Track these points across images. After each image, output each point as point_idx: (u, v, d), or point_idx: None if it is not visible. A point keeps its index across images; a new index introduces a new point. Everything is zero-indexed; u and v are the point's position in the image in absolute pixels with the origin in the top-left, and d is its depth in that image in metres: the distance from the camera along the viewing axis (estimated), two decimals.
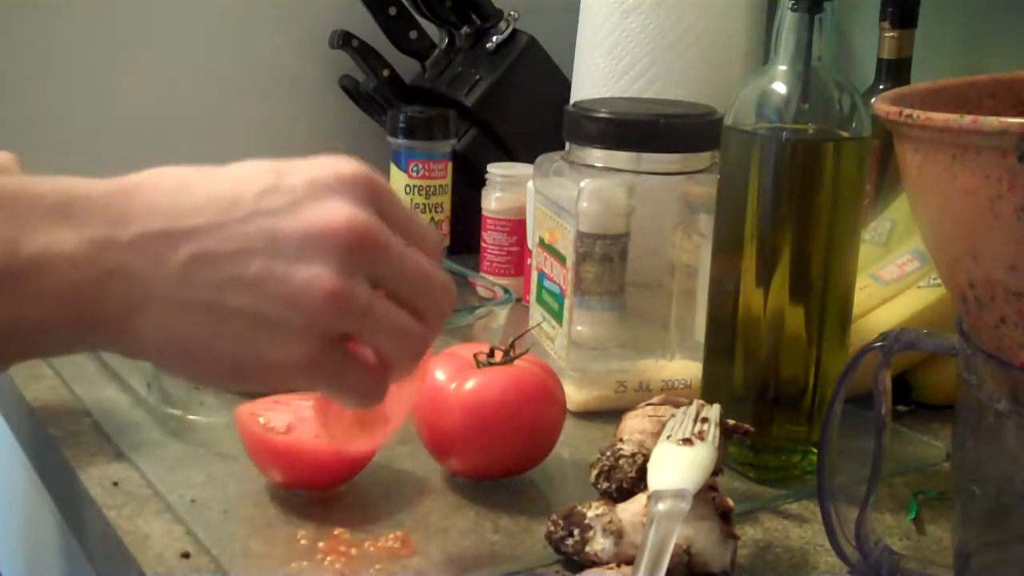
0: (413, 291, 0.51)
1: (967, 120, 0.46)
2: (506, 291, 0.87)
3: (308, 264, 0.47)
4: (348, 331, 0.49)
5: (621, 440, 0.67)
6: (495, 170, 1.07)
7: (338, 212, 0.48)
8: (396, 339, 0.50)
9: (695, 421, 0.63)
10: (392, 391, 0.53)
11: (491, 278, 1.02)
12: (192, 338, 0.47)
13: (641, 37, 0.99)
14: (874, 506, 0.63)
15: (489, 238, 1.07)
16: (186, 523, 0.65)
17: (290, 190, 0.48)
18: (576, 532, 0.61)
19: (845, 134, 0.70)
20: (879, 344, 0.59)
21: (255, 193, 0.48)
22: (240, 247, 0.47)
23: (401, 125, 1.10)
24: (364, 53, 1.19)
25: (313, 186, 0.48)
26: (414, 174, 1.11)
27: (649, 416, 0.68)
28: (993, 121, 0.45)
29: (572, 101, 0.95)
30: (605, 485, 0.65)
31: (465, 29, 1.19)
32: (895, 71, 0.95)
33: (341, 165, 0.50)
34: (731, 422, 0.67)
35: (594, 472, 0.66)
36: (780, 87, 0.70)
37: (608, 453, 0.66)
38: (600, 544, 0.60)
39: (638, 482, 0.64)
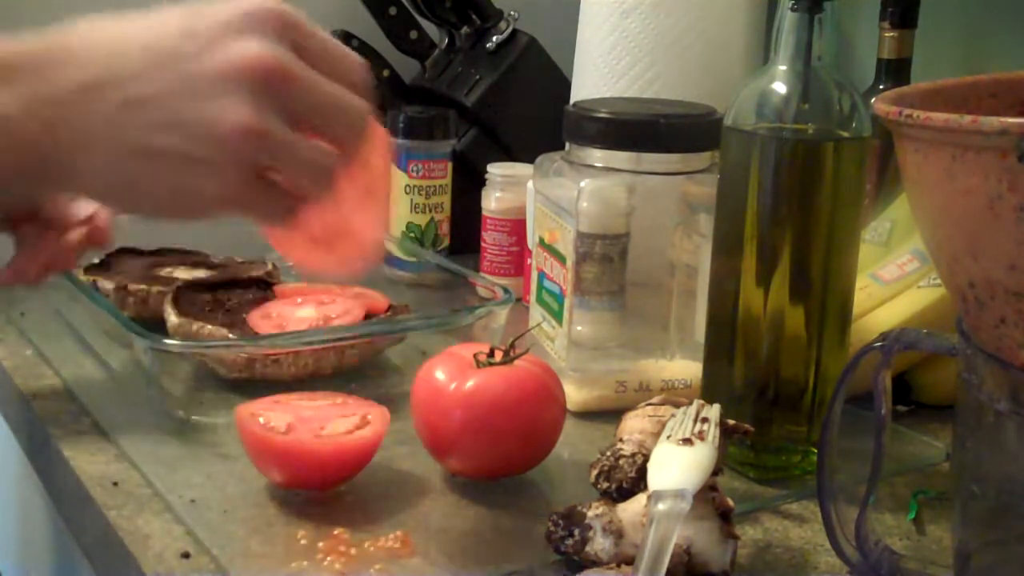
0: (325, 119, 0.54)
1: (967, 120, 0.46)
2: (506, 291, 0.87)
3: (223, 102, 0.51)
4: (264, 163, 0.53)
5: (621, 440, 0.67)
6: (495, 170, 1.07)
7: (248, 50, 0.51)
8: (308, 168, 0.54)
9: (695, 421, 0.63)
10: (349, 208, 0.57)
11: (491, 278, 1.02)
12: (128, 177, 0.53)
13: (641, 37, 0.99)
14: (874, 506, 0.63)
15: (489, 238, 1.07)
16: (186, 523, 0.65)
17: (206, 33, 0.52)
18: (576, 532, 0.61)
19: (845, 134, 0.70)
20: (879, 344, 0.59)
21: (175, 39, 0.52)
22: (162, 90, 0.51)
23: (401, 125, 1.10)
24: (364, 53, 1.19)
25: (227, 27, 0.52)
26: (414, 174, 1.11)
27: (649, 416, 0.68)
28: (993, 121, 0.45)
29: (572, 101, 0.95)
30: (605, 485, 0.65)
31: (465, 29, 1.19)
32: (895, 71, 0.95)
33: (254, 2, 0.53)
34: (731, 422, 0.67)
35: (594, 472, 0.66)
36: (780, 87, 0.70)
37: (608, 453, 0.66)
38: (600, 544, 0.60)
39: (638, 482, 0.64)
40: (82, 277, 0.93)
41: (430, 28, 1.21)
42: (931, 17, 0.95)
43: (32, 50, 0.52)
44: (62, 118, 0.51)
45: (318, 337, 0.81)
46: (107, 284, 0.92)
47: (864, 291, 0.84)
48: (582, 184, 0.80)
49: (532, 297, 0.89)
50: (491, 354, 0.70)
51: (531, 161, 0.89)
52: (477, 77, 1.17)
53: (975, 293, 0.49)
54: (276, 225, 0.58)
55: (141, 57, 0.52)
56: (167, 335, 0.82)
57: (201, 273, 0.97)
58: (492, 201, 1.07)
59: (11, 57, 0.51)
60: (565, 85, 1.10)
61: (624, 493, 0.64)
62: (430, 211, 1.12)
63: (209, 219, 0.57)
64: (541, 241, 0.86)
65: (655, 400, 0.70)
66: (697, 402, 0.66)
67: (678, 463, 0.59)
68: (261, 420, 0.68)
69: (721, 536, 0.60)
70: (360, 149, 0.56)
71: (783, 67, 0.70)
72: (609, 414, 0.76)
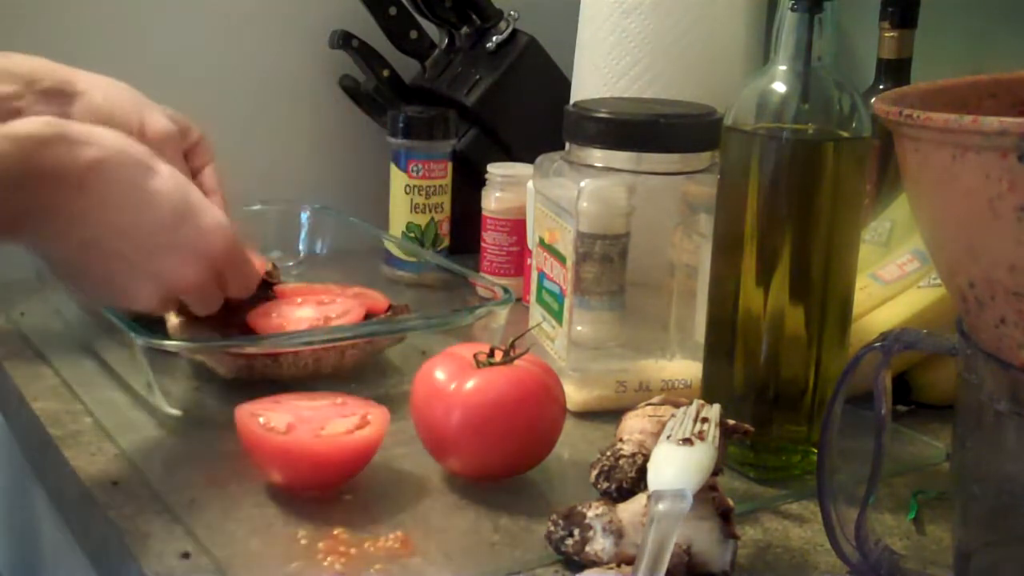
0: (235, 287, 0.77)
1: (967, 120, 0.46)
2: (506, 291, 0.87)
3: (147, 287, 0.72)
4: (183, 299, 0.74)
5: (621, 440, 0.67)
6: (495, 170, 1.07)
7: (188, 276, 0.73)
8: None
9: (695, 421, 0.63)
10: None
11: (491, 278, 1.02)
12: (77, 274, 0.71)
13: (641, 37, 0.99)
14: (874, 506, 0.63)
15: (489, 238, 1.07)
16: (186, 523, 0.65)
17: (170, 244, 0.71)
18: (576, 532, 0.61)
19: (845, 134, 0.70)
20: (879, 344, 0.59)
21: (165, 218, 0.71)
22: (120, 253, 0.70)
23: (401, 125, 1.10)
24: (364, 53, 1.19)
25: (187, 250, 0.72)
26: (414, 174, 1.11)
27: (649, 416, 0.68)
28: (993, 121, 0.45)
29: (572, 101, 0.95)
30: (605, 485, 0.65)
31: (465, 29, 1.19)
32: (895, 71, 0.95)
33: (210, 239, 0.73)
34: (731, 422, 0.67)
35: (594, 472, 0.66)
36: (780, 87, 0.70)
37: (608, 453, 0.66)
38: (600, 544, 0.60)
39: (638, 482, 0.64)
40: None
41: (430, 28, 1.21)
42: (931, 17, 0.95)
43: (80, 164, 0.68)
44: (50, 221, 0.67)
45: (318, 337, 0.81)
46: None
47: (864, 291, 0.84)
48: (582, 184, 0.80)
49: (532, 297, 0.89)
50: (491, 354, 0.70)
51: (531, 161, 0.89)
52: (477, 77, 1.17)
53: (975, 293, 0.49)
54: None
55: (133, 220, 0.70)
56: (167, 335, 0.82)
57: None
58: (492, 201, 1.07)
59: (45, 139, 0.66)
60: (565, 85, 1.10)
61: (624, 493, 0.64)
62: (430, 211, 1.12)
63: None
64: (541, 241, 0.86)
65: (655, 400, 0.70)
66: (697, 402, 0.66)
67: (678, 463, 0.59)
68: (261, 420, 0.68)
69: (721, 536, 0.60)
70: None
71: (783, 67, 0.70)
72: (609, 414, 0.76)
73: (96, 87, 0.84)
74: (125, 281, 0.71)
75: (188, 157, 0.88)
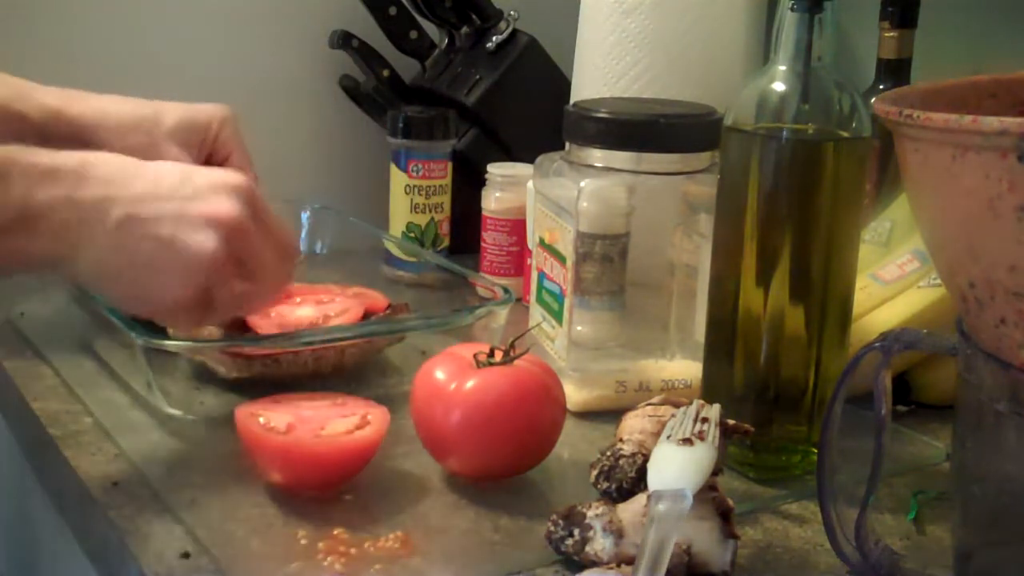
0: (256, 270, 0.71)
1: (967, 120, 0.46)
2: (506, 291, 0.86)
3: (198, 235, 0.67)
4: (210, 286, 0.69)
5: (621, 440, 0.67)
6: (495, 170, 1.07)
7: (224, 207, 0.68)
8: (232, 298, 0.71)
9: (695, 421, 0.63)
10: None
11: (491, 278, 1.02)
12: (116, 271, 0.67)
13: (641, 37, 0.99)
14: (874, 506, 0.63)
15: (489, 238, 1.07)
16: (186, 523, 0.65)
17: (196, 185, 0.69)
18: (576, 532, 0.61)
19: (845, 134, 0.70)
20: (879, 344, 0.59)
21: (175, 181, 0.69)
22: (157, 215, 0.67)
23: (401, 125, 1.10)
24: (364, 53, 1.19)
25: (214, 185, 0.69)
26: (414, 174, 1.11)
27: (649, 416, 0.68)
28: (993, 121, 0.45)
29: (572, 101, 0.95)
30: (605, 485, 0.65)
31: (465, 29, 1.19)
32: (895, 71, 0.95)
33: (232, 175, 0.71)
34: (731, 422, 0.67)
35: (594, 472, 0.66)
36: (780, 87, 0.70)
37: (608, 453, 0.66)
38: (600, 544, 0.60)
39: (638, 482, 0.64)
40: None
41: (430, 28, 1.21)
42: (931, 17, 0.95)
43: (70, 162, 0.66)
44: (84, 218, 0.65)
45: (318, 337, 0.81)
46: None
47: (864, 291, 0.84)
48: (582, 184, 0.80)
49: (532, 297, 0.89)
50: (491, 354, 0.70)
51: (531, 161, 0.89)
52: (477, 77, 1.17)
53: (975, 293, 0.49)
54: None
55: (149, 186, 0.68)
56: (167, 335, 0.82)
57: None
58: (492, 201, 1.07)
59: (56, 164, 0.66)
60: (565, 85, 1.10)
61: (624, 493, 0.64)
62: (430, 211, 1.12)
63: (158, 318, 0.75)
64: (541, 241, 0.86)
65: (655, 400, 0.70)
66: (697, 402, 0.66)
67: (678, 463, 0.59)
68: (261, 420, 0.68)
69: (721, 536, 0.60)
70: (271, 296, 0.75)
71: (783, 67, 0.70)
72: (609, 414, 0.76)
73: (85, 108, 0.83)
74: (152, 270, 0.68)
75: (212, 150, 0.88)
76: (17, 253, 0.65)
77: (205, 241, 0.67)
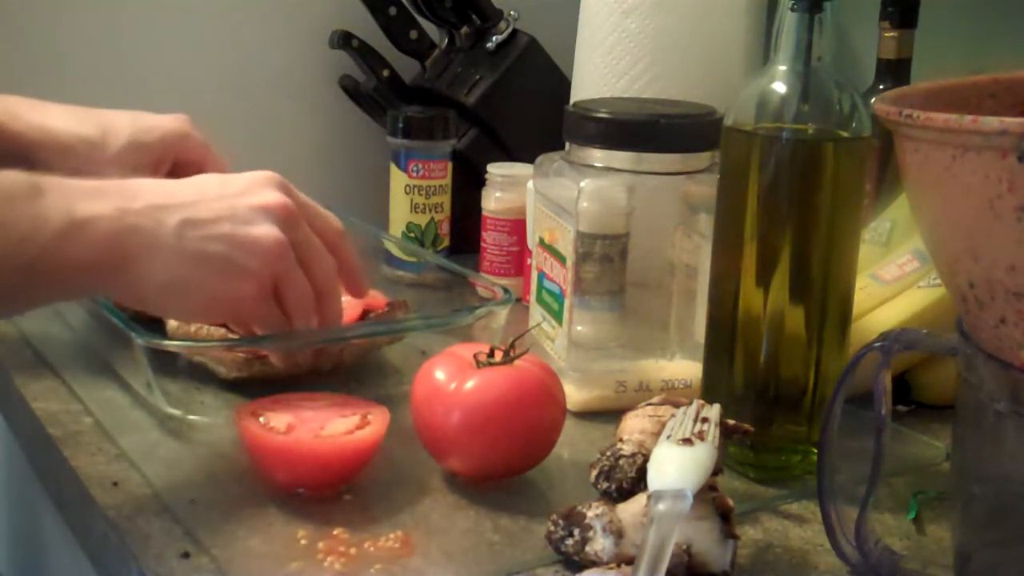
0: (314, 264, 0.72)
1: (967, 120, 0.46)
2: (506, 291, 0.86)
3: (259, 226, 0.69)
4: (280, 276, 0.70)
5: (621, 440, 0.67)
6: (495, 170, 1.07)
7: (273, 197, 0.70)
8: (305, 295, 0.72)
9: (695, 421, 0.63)
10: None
11: (491, 278, 1.02)
12: (181, 279, 0.67)
13: (641, 37, 0.99)
14: (874, 506, 0.63)
15: (489, 238, 1.07)
16: (186, 523, 0.65)
17: (238, 184, 0.71)
18: (576, 532, 0.61)
19: (845, 134, 0.70)
20: (879, 344, 0.59)
21: (216, 185, 0.71)
22: (214, 215, 0.68)
23: (401, 125, 1.10)
24: (364, 53, 1.19)
25: (252, 183, 0.71)
26: (414, 174, 1.11)
27: (649, 416, 0.68)
28: (993, 121, 0.45)
29: (572, 101, 0.95)
30: (605, 485, 0.65)
31: (465, 29, 1.19)
32: (895, 71, 0.95)
33: (266, 173, 0.72)
34: (731, 422, 0.67)
35: (594, 472, 0.66)
36: (780, 87, 0.70)
37: (608, 453, 0.66)
38: (600, 544, 0.60)
39: (638, 482, 0.64)
40: None
41: (430, 28, 1.21)
42: (931, 17, 0.95)
43: (112, 184, 0.67)
44: (136, 225, 0.65)
45: (318, 337, 0.81)
46: None
47: (864, 291, 0.84)
48: (582, 184, 0.80)
49: (532, 297, 0.89)
50: (491, 354, 0.70)
51: (531, 161, 0.89)
52: (477, 77, 1.17)
53: (975, 293, 0.49)
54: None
55: (195, 192, 0.69)
56: (166, 335, 0.82)
57: None
58: (492, 201, 1.07)
59: (93, 186, 0.66)
60: (565, 85, 1.10)
61: (624, 493, 0.64)
62: (430, 211, 1.12)
63: (229, 321, 0.76)
64: (541, 241, 0.86)
65: (655, 400, 0.70)
66: (697, 402, 0.66)
67: (678, 463, 0.59)
68: (261, 420, 0.68)
69: (721, 536, 0.60)
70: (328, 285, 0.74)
71: (783, 67, 0.70)
72: (609, 414, 0.76)
73: (28, 126, 0.82)
74: (221, 268, 0.68)
75: (177, 167, 0.86)
76: (66, 267, 0.63)
77: (268, 230, 0.68)
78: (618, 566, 0.59)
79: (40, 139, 0.81)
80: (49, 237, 0.62)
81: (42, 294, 0.66)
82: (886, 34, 0.95)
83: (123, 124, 0.84)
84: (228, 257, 0.67)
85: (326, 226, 0.75)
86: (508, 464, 0.69)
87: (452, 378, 0.68)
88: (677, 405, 0.68)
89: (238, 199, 0.69)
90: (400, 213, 1.12)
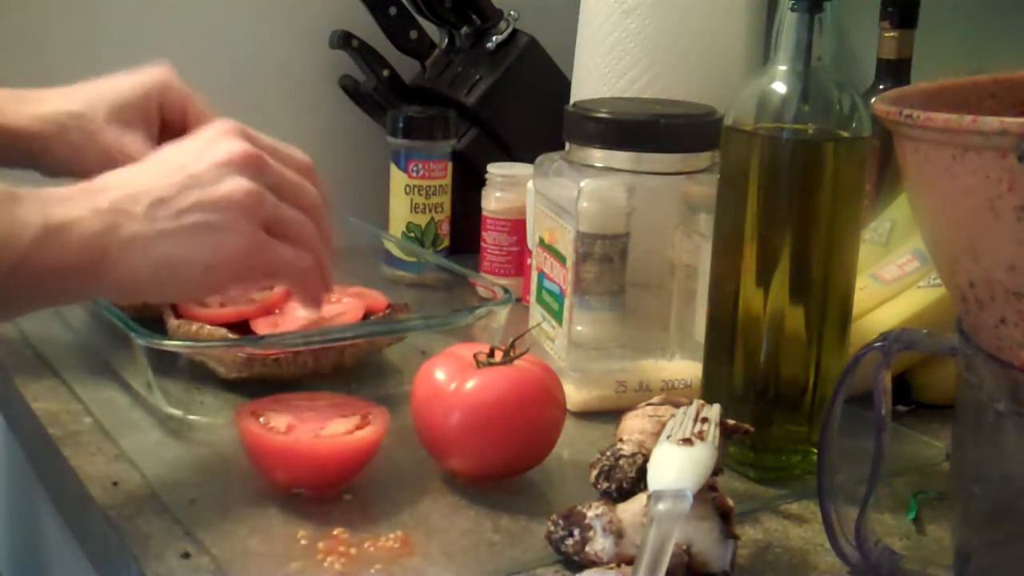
0: (294, 195, 0.71)
1: (967, 120, 0.46)
2: (506, 291, 0.86)
3: (225, 181, 0.67)
4: (267, 220, 0.68)
5: (621, 440, 0.67)
6: (495, 170, 1.07)
7: (232, 146, 0.69)
8: (298, 222, 0.71)
9: (695, 421, 0.63)
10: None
11: (491, 278, 1.02)
12: (171, 255, 0.66)
13: (641, 37, 0.99)
14: (874, 506, 0.63)
15: (489, 238, 1.07)
16: (186, 523, 0.65)
17: (197, 147, 0.69)
18: (576, 532, 0.61)
19: (845, 134, 0.70)
20: (879, 344, 0.59)
21: (175, 155, 0.69)
22: (179, 187, 0.67)
23: (401, 125, 1.10)
24: (364, 53, 1.19)
25: (211, 138, 0.70)
26: (414, 174, 1.11)
27: (649, 416, 0.68)
28: (993, 121, 0.45)
29: (572, 101, 0.95)
30: (605, 485, 0.65)
31: (465, 29, 1.19)
32: (895, 71, 0.95)
33: (221, 126, 0.71)
34: (731, 422, 0.67)
35: (594, 472, 0.66)
36: (780, 87, 0.70)
37: (608, 453, 0.66)
38: (600, 544, 0.60)
39: (638, 482, 0.64)
40: None
41: (430, 28, 1.21)
42: (931, 17, 0.95)
43: (79, 187, 0.66)
44: (110, 223, 0.64)
45: (318, 337, 0.81)
46: None
47: (864, 291, 0.84)
48: (582, 184, 0.80)
49: (532, 297, 0.89)
50: (491, 354, 0.70)
51: (531, 161, 0.89)
52: (477, 77, 1.17)
53: (975, 293, 0.49)
54: (294, 274, 0.71)
55: (156, 172, 0.68)
56: (167, 335, 0.82)
57: None
58: (492, 201, 1.07)
59: (64, 192, 0.65)
60: (565, 85, 1.10)
61: (624, 493, 0.64)
62: (430, 211, 1.12)
63: (238, 284, 0.75)
64: (541, 241, 0.86)
65: (655, 400, 0.70)
66: (697, 402, 0.66)
67: (678, 463, 0.59)
68: (261, 420, 0.68)
69: (721, 536, 0.60)
70: (319, 210, 0.73)
71: (783, 67, 0.70)
72: (609, 414, 0.76)
73: (21, 117, 0.82)
74: (203, 235, 0.67)
75: (164, 118, 0.86)
76: (47, 272, 0.63)
77: (237, 184, 0.67)
78: (618, 566, 0.59)
79: (32, 128, 0.81)
80: (28, 243, 0.62)
81: (27, 300, 0.66)
82: (886, 34, 0.95)
83: (106, 88, 0.84)
84: (205, 224, 0.66)
85: (293, 162, 0.74)
86: (508, 464, 0.69)
87: (452, 378, 0.68)
88: (677, 405, 0.68)
89: (199, 163, 0.68)
90: (400, 213, 1.12)
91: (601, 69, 1.01)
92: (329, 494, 0.68)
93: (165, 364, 0.78)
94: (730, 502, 0.61)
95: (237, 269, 0.68)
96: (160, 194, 0.66)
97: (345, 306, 0.87)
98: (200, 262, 0.67)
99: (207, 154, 0.68)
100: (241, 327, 0.83)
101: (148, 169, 0.69)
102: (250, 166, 0.69)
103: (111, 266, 0.64)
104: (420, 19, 1.20)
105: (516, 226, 1.05)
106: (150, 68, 0.86)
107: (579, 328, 0.83)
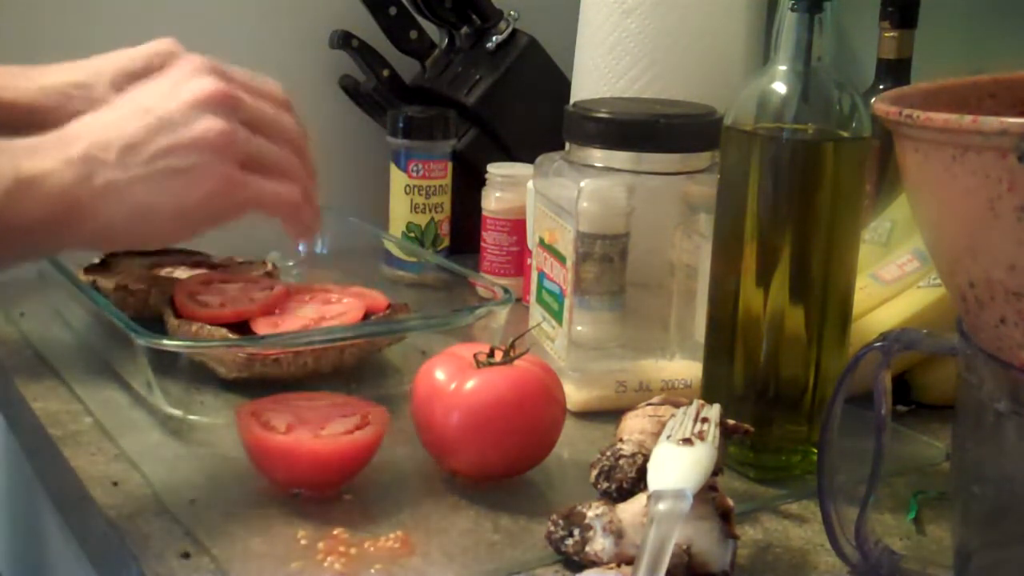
0: (269, 127, 0.71)
1: (967, 120, 0.46)
2: (506, 291, 0.86)
3: (199, 123, 0.66)
4: (242, 156, 0.68)
5: (621, 440, 0.67)
6: (495, 170, 1.07)
7: (203, 84, 0.68)
8: (277, 155, 0.70)
9: (695, 421, 0.63)
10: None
11: (491, 278, 1.02)
12: (145, 202, 0.65)
13: (641, 37, 0.99)
14: (874, 506, 0.63)
15: (489, 238, 1.07)
16: (186, 523, 0.65)
17: (167, 86, 0.68)
18: (576, 532, 0.61)
19: (845, 134, 0.70)
20: (879, 344, 0.59)
21: (146, 97, 0.68)
22: (149, 131, 0.66)
23: (401, 125, 1.10)
24: (364, 53, 1.19)
25: (181, 77, 0.68)
26: (414, 174, 1.11)
27: (649, 416, 0.68)
28: (993, 121, 0.45)
29: (572, 101, 0.95)
30: (605, 485, 0.65)
31: (465, 29, 1.19)
32: (895, 71, 0.95)
33: (191, 63, 0.69)
34: (731, 422, 0.67)
35: (594, 472, 0.66)
36: (780, 87, 0.70)
37: (608, 453, 0.66)
38: (600, 544, 0.60)
39: (638, 482, 0.64)
40: (82, 277, 0.93)
41: (430, 28, 1.21)
42: (931, 17, 0.95)
43: (51, 137, 0.65)
44: (82, 172, 0.63)
45: (318, 337, 0.81)
46: (107, 284, 0.92)
47: (864, 291, 0.84)
48: (582, 184, 0.80)
49: (532, 297, 0.89)
50: (491, 354, 0.70)
51: (531, 161, 0.89)
52: (477, 77, 1.17)
53: (975, 293, 0.49)
54: (279, 205, 0.71)
55: (127, 116, 0.67)
56: (167, 335, 0.82)
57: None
58: (492, 201, 1.07)
59: (34, 142, 0.64)
60: (565, 85, 1.10)
61: (624, 493, 0.64)
62: (430, 211, 1.12)
63: (217, 222, 0.70)
64: (541, 241, 0.86)
65: (655, 400, 0.70)
66: (697, 402, 0.66)
67: (678, 463, 0.59)
68: (261, 420, 0.68)
69: (721, 536, 0.60)
70: (296, 140, 0.73)
71: (783, 67, 0.70)
72: (609, 414, 0.76)
73: (21, 93, 0.81)
74: (176, 178, 0.66)
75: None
76: (22, 225, 0.62)
77: (209, 124, 0.66)
78: (618, 566, 0.59)
79: (37, 101, 0.80)
80: (2, 195, 0.61)
81: (1, 255, 0.65)
82: (886, 34, 0.95)
83: (109, 60, 0.84)
84: (178, 168, 0.65)
85: (268, 94, 0.73)
86: (508, 464, 0.69)
87: (452, 378, 0.68)
88: (677, 405, 0.68)
89: (169, 103, 0.67)
90: (400, 213, 1.12)
91: (601, 69, 1.01)
92: (329, 494, 0.68)
93: (165, 364, 0.78)
94: (730, 502, 0.61)
95: (214, 209, 0.68)
96: (131, 139, 0.65)
97: (345, 306, 0.87)
98: (175, 207, 0.66)
99: (177, 94, 0.67)
100: (241, 327, 0.83)
101: (118, 113, 0.68)
102: (223, 104, 0.68)
103: (86, 217, 0.64)
104: (420, 19, 1.20)
105: (516, 226, 1.05)
106: (157, 40, 0.85)
107: (579, 328, 0.83)
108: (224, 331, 0.82)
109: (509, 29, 1.18)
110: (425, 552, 0.63)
